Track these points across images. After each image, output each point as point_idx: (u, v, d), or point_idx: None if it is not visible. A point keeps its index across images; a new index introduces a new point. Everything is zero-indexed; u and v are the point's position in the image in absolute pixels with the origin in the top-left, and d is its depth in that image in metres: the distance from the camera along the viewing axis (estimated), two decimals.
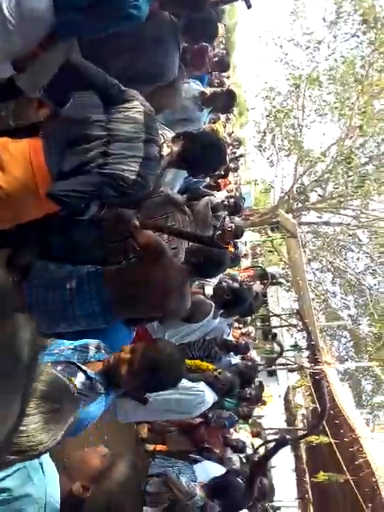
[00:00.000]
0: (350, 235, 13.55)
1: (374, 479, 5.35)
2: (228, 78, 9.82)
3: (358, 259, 13.62)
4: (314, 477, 6.77)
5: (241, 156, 10.90)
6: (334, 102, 12.10)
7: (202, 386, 2.83)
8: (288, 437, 7.49)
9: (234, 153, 9.45)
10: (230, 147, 8.64)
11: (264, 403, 6.47)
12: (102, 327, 1.99)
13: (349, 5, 10.45)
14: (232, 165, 8.46)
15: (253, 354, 7.28)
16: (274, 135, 13.31)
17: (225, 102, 3.79)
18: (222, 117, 7.85)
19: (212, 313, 2.71)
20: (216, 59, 4.21)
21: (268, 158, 13.69)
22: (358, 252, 13.60)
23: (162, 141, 1.73)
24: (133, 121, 1.63)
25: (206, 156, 1.93)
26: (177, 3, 2.21)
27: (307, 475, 9.75)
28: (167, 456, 3.67)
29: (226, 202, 4.31)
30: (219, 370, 3.09)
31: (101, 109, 1.67)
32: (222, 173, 4.66)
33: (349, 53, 11.46)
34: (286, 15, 11.74)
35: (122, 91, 1.70)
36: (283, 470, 10.87)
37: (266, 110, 13.44)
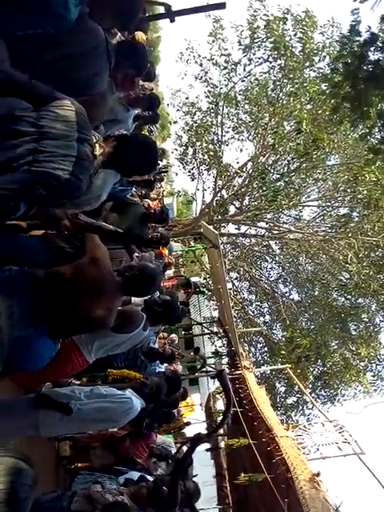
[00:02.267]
0: (264, 246, 14.43)
1: (289, 475, 5.64)
2: (151, 90, 9.97)
3: (271, 268, 14.56)
4: (235, 479, 6.95)
5: (166, 167, 11.07)
6: (249, 121, 12.91)
7: (129, 393, 2.79)
8: (201, 434, 7.61)
9: (158, 164, 9.58)
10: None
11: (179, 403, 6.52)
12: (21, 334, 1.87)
13: (262, 32, 11.28)
14: (156, 177, 8.57)
15: (178, 366, 7.33)
16: (195, 149, 13.78)
17: (148, 104, 3.88)
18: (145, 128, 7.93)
19: (142, 324, 2.69)
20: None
21: (190, 171, 14.11)
22: (271, 262, 14.53)
23: (95, 140, 1.71)
24: (64, 119, 1.59)
25: (139, 156, 1.93)
26: (103, 12, 2.22)
27: (227, 480, 10.00)
28: (91, 471, 3.54)
29: (152, 212, 4.34)
30: (146, 376, 3.08)
31: (29, 107, 1.61)
32: (150, 178, 4.70)
33: (262, 76, 12.36)
34: (205, 35, 12.31)
35: (51, 91, 1.66)
36: (205, 479, 11.00)
37: (187, 125, 13.89)
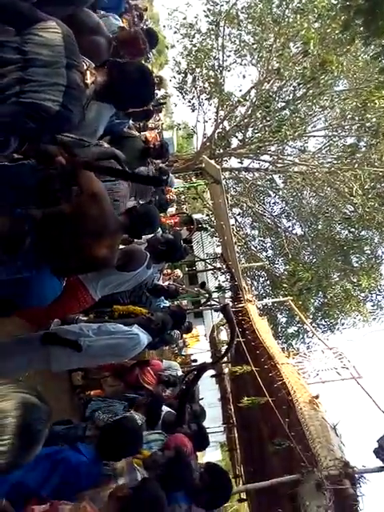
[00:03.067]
0: (267, 180, 14.12)
1: (289, 398, 6.00)
2: (145, 10, 9.14)
3: (274, 203, 14.38)
4: (239, 402, 7.42)
5: (164, 98, 10.49)
6: (253, 43, 11.98)
7: (136, 329, 2.88)
8: (206, 362, 8.06)
9: (155, 94, 9.05)
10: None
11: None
12: (23, 275, 1.87)
13: None
14: (155, 109, 8.14)
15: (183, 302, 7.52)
16: (194, 76, 12.94)
17: (148, 38, 3.54)
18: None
19: (146, 262, 2.70)
20: None
21: (189, 101, 13.39)
22: (275, 196, 14.31)
23: (86, 67, 1.56)
24: (50, 43, 1.44)
25: (134, 86, 1.78)
26: None
27: (231, 403, 10.72)
28: (103, 398, 3.76)
29: (151, 146, 4.17)
30: (151, 312, 3.16)
31: (11, 30, 1.45)
32: (149, 108, 4.47)
33: None
34: None
35: (33, 10, 1.48)
36: (210, 401, 11.81)
37: (186, 49, 12.91)
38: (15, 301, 2.19)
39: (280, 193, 14.04)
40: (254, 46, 11.86)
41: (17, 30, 1.44)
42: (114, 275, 2.56)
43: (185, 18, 12.68)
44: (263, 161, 13.80)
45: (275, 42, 11.28)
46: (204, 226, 12.95)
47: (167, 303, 4.68)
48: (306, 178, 12.42)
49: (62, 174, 1.62)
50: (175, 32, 13.15)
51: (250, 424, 8.28)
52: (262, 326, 7.94)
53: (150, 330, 2.94)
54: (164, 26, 14.22)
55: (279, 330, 13.08)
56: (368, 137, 11.25)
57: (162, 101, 9.51)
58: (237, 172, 14.25)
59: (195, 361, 10.26)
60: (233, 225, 13.30)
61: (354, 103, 11.32)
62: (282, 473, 5.15)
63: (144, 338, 2.83)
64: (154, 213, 2.66)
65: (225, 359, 10.47)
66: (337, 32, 9.56)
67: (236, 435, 10.47)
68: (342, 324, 12.95)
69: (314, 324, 12.65)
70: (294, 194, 13.44)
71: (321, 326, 13.05)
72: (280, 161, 13.33)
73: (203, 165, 11.81)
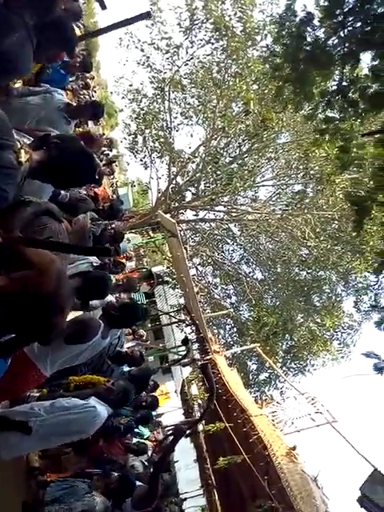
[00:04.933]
0: (224, 229, 14.51)
1: (266, 452, 5.78)
2: (92, 78, 9.60)
3: (233, 251, 14.69)
4: (215, 463, 7.06)
5: (115, 158, 10.78)
6: (197, 105, 12.78)
7: (92, 401, 2.69)
8: (183, 426, 7.68)
9: (107, 155, 9.30)
10: (103, 148, 8.48)
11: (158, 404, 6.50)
12: None
13: (201, 13, 11.09)
14: (107, 169, 8.32)
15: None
16: (144, 137, 13.51)
17: (92, 112, 3.66)
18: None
19: (100, 332, 2.57)
20: (78, 60, 4.06)
21: (141, 160, 13.85)
22: (233, 244, 14.66)
23: (19, 146, 1.55)
24: None
25: (74, 167, 1.75)
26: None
27: (208, 462, 10.17)
28: (64, 478, 3.44)
29: (101, 208, 4.18)
30: (112, 381, 2.98)
31: None
32: (97, 178, 4.51)
33: (205, 58, 12.20)
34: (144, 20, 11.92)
35: None
36: (186, 463, 11.16)
37: (134, 112, 13.56)
38: None
39: (237, 240, 14.42)
40: (199, 108, 12.64)
41: None
42: (64, 350, 2.42)
43: (131, 85, 13.46)
44: (218, 211, 14.27)
45: (218, 103, 12.09)
46: (165, 278, 12.93)
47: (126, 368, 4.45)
48: (260, 224, 12.89)
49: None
50: (123, 97, 13.86)
51: (230, 484, 7.84)
52: (232, 378, 7.77)
53: (109, 401, 2.75)
54: (112, 92, 14.93)
55: (250, 377, 12.87)
56: (313, 183, 11.97)
57: (113, 160, 9.75)
58: (193, 223, 14.58)
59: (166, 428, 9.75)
60: (194, 275, 13.38)
61: (297, 153, 12.13)
62: None
63: (103, 410, 2.64)
64: (106, 279, 2.61)
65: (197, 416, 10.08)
66: (273, 92, 10.41)
67: (216, 497, 9.84)
68: (312, 365, 12.98)
69: (284, 368, 12.58)
70: (251, 240, 13.84)
71: (291, 370, 13.00)
72: (234, 210, 13.83)
73: (159, 219, 12.01)
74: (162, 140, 13.15)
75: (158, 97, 12.89)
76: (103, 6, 3.90)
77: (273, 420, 6.82)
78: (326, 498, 4.92)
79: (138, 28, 12.42)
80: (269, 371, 12.78)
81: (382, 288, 11.91)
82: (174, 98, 12.83)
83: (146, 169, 14.08)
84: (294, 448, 5.70)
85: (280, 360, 12.84)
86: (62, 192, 3.19)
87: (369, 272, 11.92)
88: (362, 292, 12.56)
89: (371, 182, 5.10)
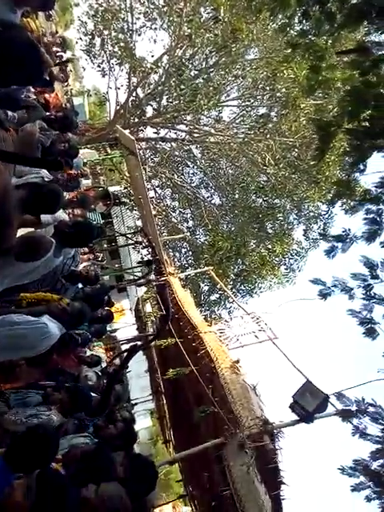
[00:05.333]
0: (185, 151, 14.03)
1: (212, 365, 6.23)
2: None
3: (193, 174, 14.39)
4: (165, 374, 7.56)
5: (68, 61, 9.69)
6: (163, 7, 11.50)
7: (45, 318, 2.67)
8: (138, 343, 8.05)
9: (60, 57, 8.32)
10: (55, 48, 7.59)
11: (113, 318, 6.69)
12: None
13: None
14: (60, 74, 7.48)
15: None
16: (103, 39, 12.16)
17: (41, 0, 3.11)
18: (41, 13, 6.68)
19: (52, 250, 2.45)
20: None
21: (99, 66, 12.61)
22: (193, 167, 14.31)
23: None
24: None
25: (18, 60, 1.50)
26: None
27: (159, 373, 10.92)
28: (17, 389, 3.53)
29: (53, 117, 3.80)
30: (67, 301, 2.94)
31: None
32: (47, 79, 4.05)
33: None
34: None
35: None
36: (138, 372, 11.92)
37: (92, 9, 12.02)
38: None
39: (198, 163, 14.07)
40: (164, 10, 11.39)
41: None
42: (14, 266, 2.31)
43: None
44: (180, 130, 13.64)
45: (185, 5, 10.93)
46: (122, 199, 12.59)
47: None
48: (222, 148, 12.56)
49: None
50: None
51: (178, 392, 8.52)
52: (185, 298, 8.06)
53: (63, 321, 2.73)
54: None
55: (202, 298, 13.45)
56: (278, 107, 11.60)
57: (66, 62, 8.72)
58: (153, 142, 13.94)
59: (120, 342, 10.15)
60: (152, 197, 13.12)
61: (265, 73, 11.53)
62: (210, 437, 5.40)
63: (54, 327, 2.63)
64: (56, 192, 2.43)
65: (151, 332, 10.57)
66: (246, 0, 9.49)
67: (164, 402, 10.75)
68: (260, 288, 13.71)
69: (233, 290, 13.20)
70: (211, 164, 13.57)
71: (240, 292, 13.68)
72: (196, 131, 13.28)
73: (118, 135, 11.31)
74: (122, 44, 11.91)
75: None
76: None
77: (220, 337, 7.27)
78: (262, 404, 5.49)
79: None
80: (220, 292, 13.40)
81: (332, 218, 12.46)
82: None
83: (103, 77, 12.90)
84: (237, 361, 6.18)
85: (231, 283, 13.42)
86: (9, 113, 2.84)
87: (322, 202, 12.30)
88: (312, 221, 13.04)
89: (336, 109, 4.98)
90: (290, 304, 6.64)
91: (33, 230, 2.86)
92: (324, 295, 3.95)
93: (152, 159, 14.22)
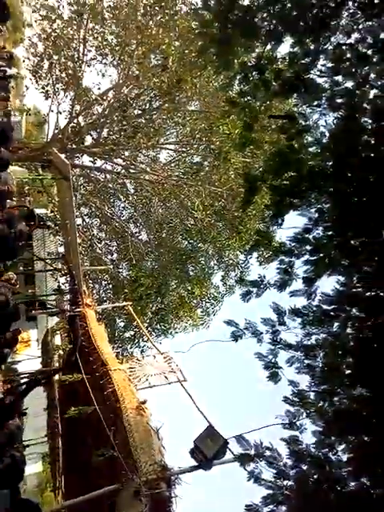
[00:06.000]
0: (118, 184, 14.07)
1: (117, 405, 5.96)
2: None
3: (123, 208, 14.39)
4: (65, 412, 7.05)
5: (11, 77, 9.48)
6: (115, 45, 11.87)
7: None
8: (39, 377, 7.46)
9: (4, 71, 8.12)
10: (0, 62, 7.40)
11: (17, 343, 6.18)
12: None
13: None
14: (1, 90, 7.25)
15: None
16: (51, 63, 12.11)
17: None
18: None
19: None
20: None
21: (44, 88, 12.42)
22: (125, 201, 14.34)
23: None
24: None
25: None
26: None
27: (58, 411, 10.14)
28: None
29: None
30: None
31: None
32: None
33: None
34: None
35: None
36: (36, 411, 10.96)
37: (45, 32, 12.01)
38: None
39: (130, 198, 14.14)
40: (116, 48, 11.76)
41: None
42: None
43: (47, 0, 11.78)
44: (116, 164, 13.71)
45: (137, 49, 11.40)
46: (47, 222, 12.09)
47: None
48: (155, 187, 12.82)
49: None
50: (34, 11, 12.11)
51: (76, 434, 7.96)
52: (99, 332, 7.74)
53: None
54: (22, 2, 12.93)
55: (116, 334, 13.06)
56: (211, 158, 12.29)
57: (9, 77, 8.53)
58: (88, 171, 13.79)
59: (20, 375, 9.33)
60: (79, 225, 12.79)
61: (203, 125, 12.24)
62: (105, 483, 5.05)
63: None
64: None
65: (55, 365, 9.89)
66: (194, 55, 10.19)
67: (60, 444, 9.93)
68: (175, 329, 13.71)
69: (149, 329, 13.03)
70: (143, 201, 13.72)
71: (156, 331, 13.54)
72: (132, 167, 13.45)
73: (52, 157, 11.03)
74: (70, 71, 11.94)
75: (75, 22, 11.59)
76: None
77: (130, 375, 7.04)
78: (164, 448, 5.31)
79: None
80: (135, 330, 13.13)
81: (249, 267, 13.17)
82: (92, 29, 11.68)
83: (46, 99, 12.67)
84: (144, 402, 5.99)
85: (147, 320, 13.26)
86: None
87: (241, 251, 13.01)
88: (231, 268, 13.67)
89: (262, 167, 5.40)
90: (202, 345, 6.69)
91: None
92: (236, 337, 4.04)
93: (84, 187, 14.00)
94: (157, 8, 11.03)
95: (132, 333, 13.12)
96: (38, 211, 13.43)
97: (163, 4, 10.73)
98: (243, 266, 13.32)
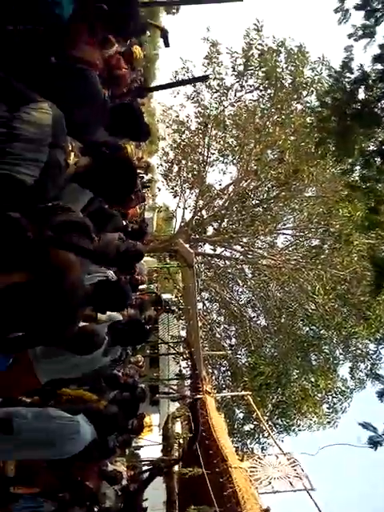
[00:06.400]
0: (237, 269, 14.46)
1: (239, 509, 5.49)
2: (143, 105, 9.99)
3: (242, 292, 14.56)
4: (186, 509, 6.72)
5: (149, 182, 11.02)
6: (235, 146, 13.08)
7: (79, 417, 2.55)
8: (162, 465, 7.35)
9: (142, 178, 9.54)
10: (139, 171, 8.71)
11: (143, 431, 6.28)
12: None
13: (255, 61, 11.56)
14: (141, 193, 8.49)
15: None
16: (180, 167, 13.84)
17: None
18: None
19: (103, 348, 2.48)
20: (135, 85, 4.23)
21: (173, 188, 14.13)
22: (243, 286, 14.55)
23: (70, 148, 1.59)
24: (39, 122, 1.48)
25: (115, 180, 1.76)
26: (99, 16, 2.15)
27: (177, 505, 9.68)
28: (35, 496, 3.27)
29: (129, 229, 4.20)
30: (105, 404, 2.83)
31: (4, 107, 1.51)
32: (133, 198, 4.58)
33: (251, 103, 12.59)
34: (201, 58, 12.48)
35: (30, 92, 1.55)
36: (154, 504, 10.64)
37: (175, 142, 13.97)
38: None
39: (248, 283, 14.31)
40: (236, 149, 12.92)
41: (9, 107, 1.49)
42: (64, 357, 2.35)
43: (177, 116, 13.91)
44: (235, 250, 14.27)
45: (255, 147, 12.35)
46: (172, 307, 12.82)
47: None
48: (274, 271, 12.81)
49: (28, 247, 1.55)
50: (167, 126, 14.33)
51: None
52: (219, 423, 7.51)
53: (97, 425, 2.59)
54: (158, 120, 15.46)
55: (235, 426, 12.41)
56: (331, 241, 11.97)
57: (147, 184, 9.97)
58: (209, 258, 14.58)
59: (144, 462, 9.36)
60: (200, 309, 13.24)
61: (321, 209, 12.21)
62: None
63: (87, 430, 2.50)
64: (127, 291, 2.57)
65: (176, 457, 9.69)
66: (310, 146, 10.63)
67: None
68: (298, 425, 12.49)
69: (270, 423, 12.12)
70: (261, 285, 13.73)
71: (277, 426, 12.51)
72: (250, 252, 13.82)
73: (178, 247, 12.05)
74: (195, 172, 13.43)
75: (200, 131, 13.26)
76: (167, 44, 4.10)
77: (251, 475, 6.54)
78: None
79: (194, 66, 12.94)
80: (255, 423, 12.33)
81: (381, 359, 11.70)
82: (215, 135, 13.16)
83: (174, 197, 14.35)
84: (267, 510, 5.43)
85: (267, 413, 12.41)
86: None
87: (370, 340, 11.74)
88: (359, 359, 12.29)
89: None
90: (331, 448, 5.96)
91: (87, 323, 2.96)
92: (375, 443, 3.50)
93: (205, 273, 14.73)
94: (273, 110, 12.03)
95: (251, 426, 12.34)
96: (164, 296, 14.43)
97: (279, 106, 11.68)
98: (374, 357, 11.99)
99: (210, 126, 12.75)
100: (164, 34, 4.01)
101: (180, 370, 11.70)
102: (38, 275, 1.67)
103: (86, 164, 1.69)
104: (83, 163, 1.67)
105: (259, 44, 11.36)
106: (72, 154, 1.59)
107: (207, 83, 12.58)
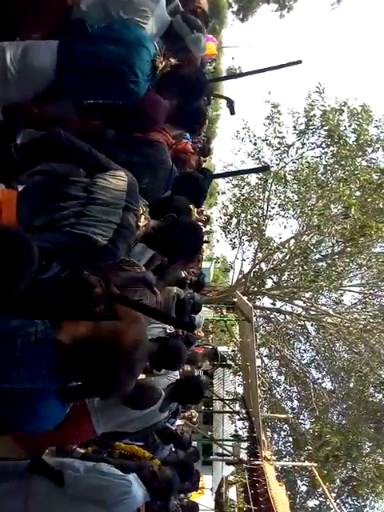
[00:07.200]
0: (299, 325, 13.86)
1: None
2: (205, 161, 10.49)
3: (304, 350, 13.82)
4: None
5: (208, 233, 11.25)
6: (296, 200, 13.08)
7: (131, 477, 2.47)
8: None
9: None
10: (200, 224, 8.98)
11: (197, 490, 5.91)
12: (47, 387, 1.78)
13: (317, 119, 11.77)
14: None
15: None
16: (239, 220, 14.04)
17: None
18: None
19: (160, 402, 2.47)
20: (198, 145, 4.50)
21: (231, 240, 14.29)
22: (305, 343, 13.83)
23: (142, 211, 1.73)
24: (115, 187, 1.63)
25: (182, 243, 1.91)
26: (171, 90, 2.38)
27: None
28: None
29: (188, 280, 4.27)
30: (159, 464, 2.74)
31: (82, 173, 1.69)
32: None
33: (313, 160, 12.67)
34: (263, 118, 13.01)
35: (109, 161, 1.72)
36: None
37: (235, 197, 14.31)
38: (14, 421, 2.03)
39: (311, 340, 13.60)
40: (297, 203, 12.90)
41: (90, 174, 1.66)
42: (121, 410, 2.35)
43: None
44: (296, 305, 13.78)
45: (317, 202, 12.25)
46: (227, 360, 12.47)
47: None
48: (340, 330, 12.10)
49: (97, 303, 1.66)
50: (228, 182, 14.80)
51: None
52: (279, 494, 6.90)
53: (150, 487, 2.49)
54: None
55: (297, 500, 11.29)
56: None
57: (207, 240, 10.20)
58: (268, 312, 14.19)
59: None
60: (258, 366, 12.72)
61: None
62: None
63: (139, 491, 2.39)
64: (183, 350, 2.58)
65: None
66: (377, 202, 10.32)
67: None
68: (372, 508, 11.07)
69: (338, 501, 10.87)
70: (326, 344, 12.96)
71: (346, 505, 11.19)
72: (313, 308, 13.25)
73: (236, 299, 11.91)
74: (254, 225, 13.51)
75: (260, 186, 13.50)
76: (232, 112, 4.34)
77: None
78: None
79: (255, 125, 13.48)
80: (320, 499, 11.14)
81: None
82: (275, 190, 13.31)
83: (233, 249, 14.44)
84: None
85: (335, 489, 11.17)
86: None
87: None
88: None
89: None
90: None
91: (146, 378, 2.96)
92: None
93: (264, 327, 14.28)
94: (336, 166, 11.98)
95: (316, 502, 11.17)
96: (219, 349, 14.14)
97: (343, 162, 11.62)
98: None
99: (270, 182, 12.95)
100: (230, 104, 4.27)
101: (235, 431, 11.09)
102: (103, 328, 1.75)
103: (156, 226, 1.82)
104: (153, 225, 1.80)
105: (321, 105, 11.60)
106: (143, 216, 1.72)
107: (268, 141, 12.96)
